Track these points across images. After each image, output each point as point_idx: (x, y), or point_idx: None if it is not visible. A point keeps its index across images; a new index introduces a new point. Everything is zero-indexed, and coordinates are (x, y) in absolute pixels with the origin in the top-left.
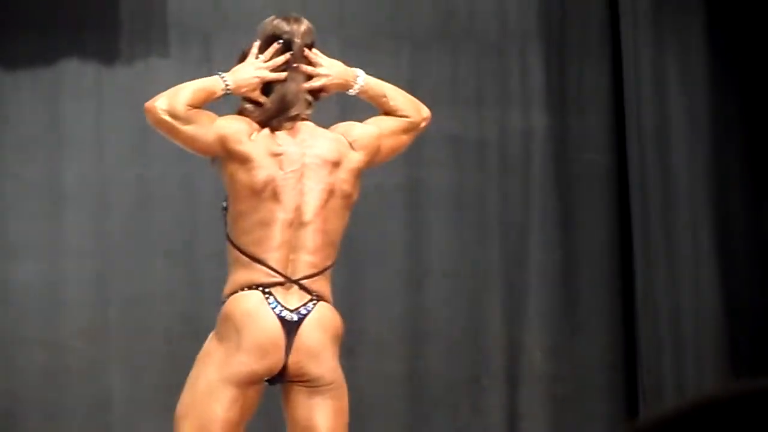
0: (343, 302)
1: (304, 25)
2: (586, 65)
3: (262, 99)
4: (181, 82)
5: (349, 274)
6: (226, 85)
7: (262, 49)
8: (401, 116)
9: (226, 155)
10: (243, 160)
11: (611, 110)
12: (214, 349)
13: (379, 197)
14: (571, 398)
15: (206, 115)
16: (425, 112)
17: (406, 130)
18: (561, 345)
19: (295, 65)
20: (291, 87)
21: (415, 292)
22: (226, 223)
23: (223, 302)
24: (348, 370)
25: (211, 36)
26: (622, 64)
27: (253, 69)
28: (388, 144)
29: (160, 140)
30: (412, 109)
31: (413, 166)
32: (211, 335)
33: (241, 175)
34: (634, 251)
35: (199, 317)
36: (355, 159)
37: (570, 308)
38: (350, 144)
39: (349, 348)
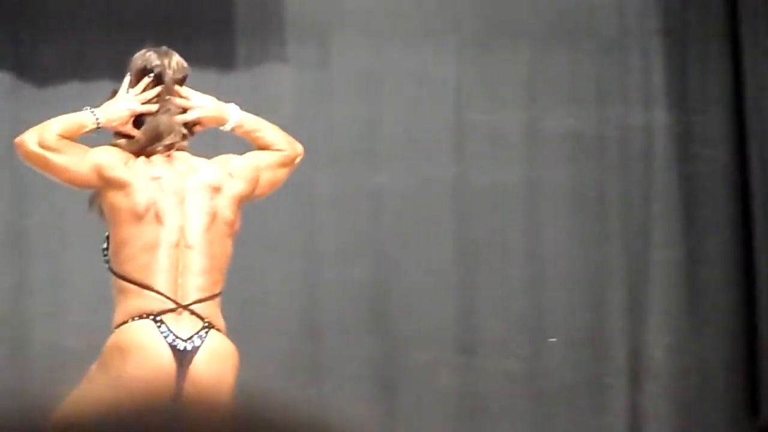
0: (462, 301)
1: (176, 58)
2: (708, 62)
3: (135, 132)
4: (299, 85)
5: (468, 272)
6: (97, 119)
7: (133, 84)
8: (276, 150)
9: (103, 184)
10: (121, 186)
11: (732, 107)
12: (95, 378)
13: (497, 196)
14: (693, 396)
15: (78, 147)
16: (299, 148)
17: (282, 164)
18: (683, 343)
19: (167, 98)
20: (163, 119)
21: (535, 290)
22: (107, 261)
23: (111, 333)
24: (468, 370)
25: (328, 37)
26: (744, 62)
27: (124, 103)
28: (266, 177)
29: None
30: (286, 144)
31: (532, 165)
32: (94, 365)
33: (121, 201)
34: (756, 249)
35: (317, 316)
36: (236, 187)
37: (692, 307)
38: (229, 174)
39: (469, 348)
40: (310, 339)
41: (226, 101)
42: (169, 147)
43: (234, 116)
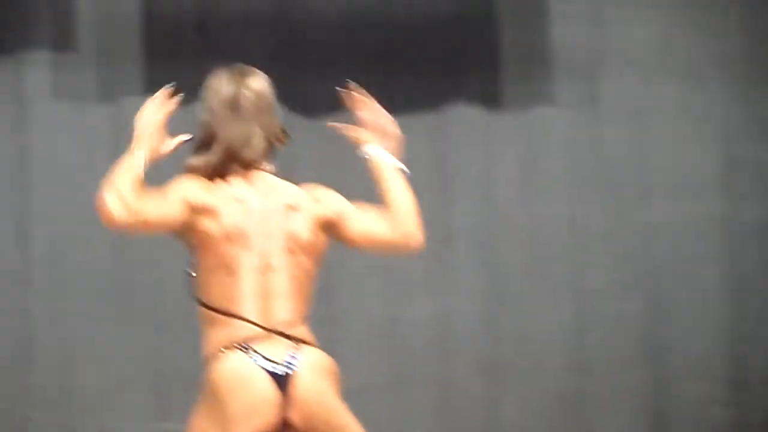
0: (732, 335)
1: (253, 80)
2: None
3: (203, 157)
4: (568, 120)
5: (739, 307)
6: (141, 155)
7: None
8: (386, 227)
9: (194, 215)
10: (209, 212)
11: None
12: (202, 424)
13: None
14: None
15: (157, 194)
16: (416, 240)
17: (384, 243)
18: None
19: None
20: (236, 131)
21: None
22: (192, 289)
23: (204, 367)
24: (739, 405)
25: (596, 73)
26: None
27: (145, 120)
28: (358, 231)
29: (548, 179)
30: (404, 228)
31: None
32: (199, 402)
33: (210, 227)
34: None
35: (588, 351)
36: (318, 211)
37: None
38: (315, 199)
39: (740, 383)
40: (580, 374)
41: (494, 139)
42: (248, 165)
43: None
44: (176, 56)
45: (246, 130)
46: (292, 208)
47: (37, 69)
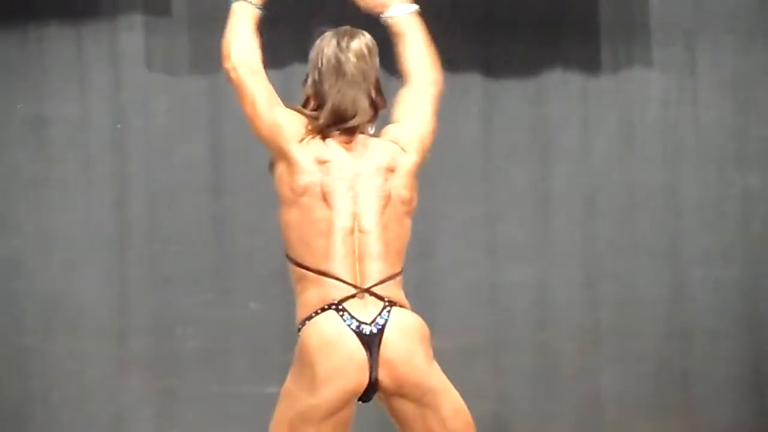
0: None
1: (357, 41)
2: None
3: (313, 113)
4: (666, 87)
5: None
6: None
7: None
8: (424, 77)
9: (274, 148)
10: (287, 160)
11: None
12: (293, 388)
13: None
14: None
15: (269, 90)
16: (438, 72)
17: (435, 101)
18: None
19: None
20: (348, 96)
21: None
22: (285, 247)
23: (299, 329)
24: None
25: (694, 39)
26: None
27: None
28: (427, 130)
29: (645, 146)
30: (434, 67)
31: None
32: (291, 368)
33: (284, 175)
34: None
35: (685, 319)
36: (410, 162)
37: None
38: (402, 149)
39: None
40: (678, 342)
41: (592, 104)
42: (352, 130)
43: (398, 9)
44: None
45: (351, 96)
46: (389, 169)
47: (131, 33)
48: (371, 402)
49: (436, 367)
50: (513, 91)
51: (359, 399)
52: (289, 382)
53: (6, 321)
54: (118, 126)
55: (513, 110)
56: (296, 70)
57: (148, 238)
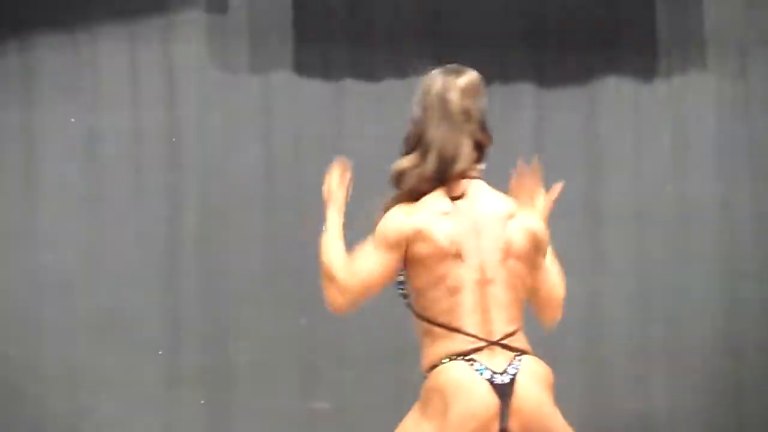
0: None
1: (464, 78)
2: None
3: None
4: (720, 97)
5: None
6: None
7: (425, 108)
8: (556, 291)
9: (406, 246)
10: (421, 236)
11: None
12: (421, 423)
13: None
14: None
15: (364, 255)
16: (555, 322)
17: (551, 302)
18: None
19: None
20: (450, 140)
21: None
22: (406, 297)
23: (425, 377)
24: None
25: (747, 49)
26: None
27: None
28: (538, 283)
29: (698, 158)
30: (561, 297)
31: None
32: (415, 407)
33: (422, 249)
34: None
35: (738, 334)
36: (531, 224)
37: None
38: (526, 215)
39: None
40: (731, 357)
41: (646, 110)
42: (460, 174)
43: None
44: (325, 36)
45: (456, 139)
46: (508, 216)
47: (190, 31)
48: None
49: (559, 413)
50: (564, 103)
51: None
52: (412, 422)
53: (59, 335)
54: (173, 140)
55: (564, 122)
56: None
57: (200, 252)
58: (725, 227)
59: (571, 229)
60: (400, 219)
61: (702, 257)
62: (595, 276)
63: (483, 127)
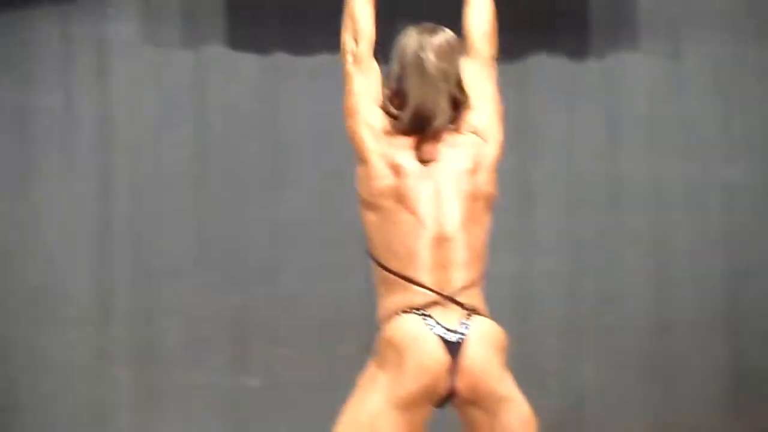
0: None
1: (438, 37)
2: None
3: (396, 112)
4: (652, 77)
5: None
6: None
7: (395, 70)
8: (483, 49)
9: (353, 142)
10: (363, 159)
11: None
12: (376, 375)
13: None
14: None
15: (371, 85)
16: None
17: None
18: None
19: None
20: (429, 99)
21: None
22: (369, 249)
23: (379, 327)
24: None
25: (680, 30)
26: None
27: None
28: (501, 119)
29: (630, 136)
30: (495, 44)
31: None
32: (369, 361)
33: (362, 175)
34: None
35: (668, 312)
36: (491, 156)
37: None
38: (483, 140)
39: None
40: (660, 335)
41: (578, 89)
42: (435, 133)
43: None
44: (257, 10)
45: (433, 97)
46: (473, 170)
47: (121, 6)
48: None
49: (508, 377)
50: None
51: (436, 405)
52: (368, 375)
53: None
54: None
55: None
56: None
57: (131, 228)
58: (657, 205)
59: (503, 205)
60: (374, 128)
61: (633, 235)
62: (525, 253)
63: (459, 85)
